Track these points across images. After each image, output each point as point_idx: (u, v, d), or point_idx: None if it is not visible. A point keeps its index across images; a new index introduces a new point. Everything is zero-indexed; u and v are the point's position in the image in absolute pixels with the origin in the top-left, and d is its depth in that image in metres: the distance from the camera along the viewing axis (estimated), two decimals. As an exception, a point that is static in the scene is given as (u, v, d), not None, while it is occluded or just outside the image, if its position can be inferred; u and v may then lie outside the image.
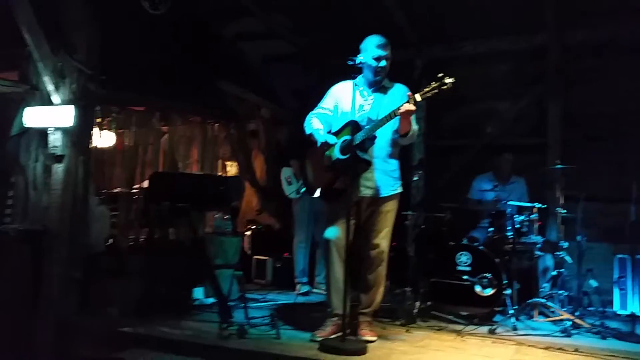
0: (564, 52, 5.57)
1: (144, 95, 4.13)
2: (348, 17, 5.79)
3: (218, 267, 4.20)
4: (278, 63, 6.92)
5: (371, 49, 3.39)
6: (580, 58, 5.54)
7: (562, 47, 5.56)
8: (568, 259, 4.35)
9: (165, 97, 4.39)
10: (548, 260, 4.77)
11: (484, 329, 3.89)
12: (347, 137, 3.37)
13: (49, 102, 3.66)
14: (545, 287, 4.54)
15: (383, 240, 3.48)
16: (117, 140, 4.11)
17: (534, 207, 4.32)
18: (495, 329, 3.83)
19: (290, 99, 6.87)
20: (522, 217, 4.35)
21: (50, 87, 3.50)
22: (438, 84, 3.07)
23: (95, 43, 3.70)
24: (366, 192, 3.41)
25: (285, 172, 5.43)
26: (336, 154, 3.39)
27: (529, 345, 3.49)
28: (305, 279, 5.34)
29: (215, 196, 3.63)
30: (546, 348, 3.42)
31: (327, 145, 3.37)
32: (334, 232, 3.42)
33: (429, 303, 4.25)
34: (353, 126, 3.34)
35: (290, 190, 5.37)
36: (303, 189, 5.18)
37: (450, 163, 5.94)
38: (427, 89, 3.10)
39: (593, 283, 4.85)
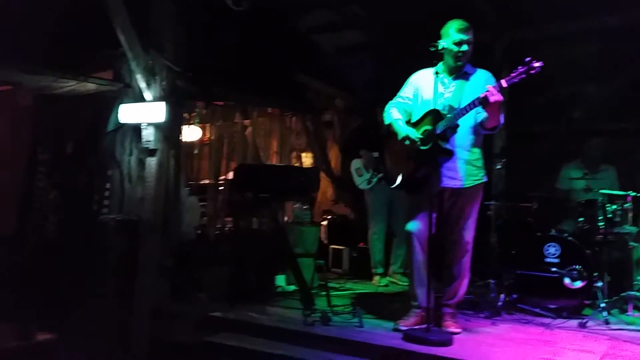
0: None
1: (227, 90, 4.27)
2: (423, 3, 5.70)
3: (299, 255, 4.29)
4: (352, 54, 6.92)
5: (452, 34, 3.31)
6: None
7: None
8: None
9: (247, 91, 4.51)
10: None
11: (574, 322, 3.74)
12: (428, 127, 3.32)
13: (141, 99, 3.87)
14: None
15: (467, 231, 3.42)
16: (202, 134, 4.28)
17: (628, 195, 4.07)
18: (585, 323, 3.67)
19: (364, 89, 6.86)
20: (614, 207, 4.12)
21: (142, 84, 3.71)
22: (526, 68, 2.95)
23: (183, 41, 3.87)
24: (448, 182, 3.35)
25: (356, 164, 5.41)
26: (417, 144, 3.34)
27: (624, 341, 3.32)
28: (381, 270, 5.34)
29: (296, 187, 3.72)
30: (644, 345, 3.25)
31: (407, 136, 3.34)
32: (416, 225, 3.39)
33: (514, 295, 4.13)
34: (434, 115, 3.29)
35: (360, 181, 5.35)
36: (375, 180, 5.20)
37: (534, 150, 5.69)
38: (514, 74, 2.99)
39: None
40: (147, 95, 3.74)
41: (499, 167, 4.99)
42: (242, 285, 4.17)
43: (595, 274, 3.91)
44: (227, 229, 4.42)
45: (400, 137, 3.37)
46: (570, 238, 4.11)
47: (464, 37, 3.29)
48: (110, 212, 4.02)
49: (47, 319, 4.00)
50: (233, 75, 4.44)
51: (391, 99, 5.48)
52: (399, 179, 3.55)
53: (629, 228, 4.09)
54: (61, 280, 3.95)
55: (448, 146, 3.28)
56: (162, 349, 3.63)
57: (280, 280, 4.57)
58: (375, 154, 5.27)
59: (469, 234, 3.42)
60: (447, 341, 3.10)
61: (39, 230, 4.33)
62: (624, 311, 4.03)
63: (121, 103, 3.89)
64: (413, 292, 3.45)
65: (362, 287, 4.98)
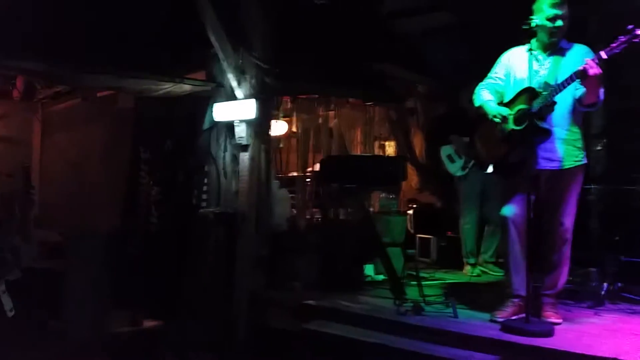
0: None
1: (311, 84, 4.35)
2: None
3: (387, 245, 4.30)
4: (436, 36, 6.74)
5: (545, 9, 3.15)
6: None
7: None
8: None
9: (329, 83, 4.57)
10: None
11: (689, 313, 3.49)
12: (523, 106, 3.19)
13: (232, 97, 4.04)
14: None
15: (567, 217, 3.26)
16: (289, 128, 4.41)
17: None
18: None
19: (449, 73, 6.68)
20: None
21: (233, 83, 3.87)
22: (629, 37, 2.76)
23: (269, 39, 3.98)
24: (546, 164, 3.21)
25: (446, 150, 5.28)
26: (510, 124, 3.23)
27: None
28: (473, 260, 5.21)
29: (382, 176, 3.73)
30: None
31: (500, 116, 3.23)
32: (512, 209, 3.28)
33: (618, 284, 3.90)
34: (529, 93, 3.15)
35: (454, 168, 5.20)
36: (470, 165, 5.05)
37: (636, 129, 5.30)
38: (614, 45, 2.80)
39: None
40: (239, 93, 3.90)
41: (599, 148, 4.71)
42: (333, 274, 4.24)
43: None
44: (315, 219, 4.52)
45: (490, 116, 3.27)
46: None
47: (558, 12, 3.13)
48: (209, 205, 4.24)
49: (155, 307, 4.29)
50: (316, 68, 4.51)
51: (476, 82, 5.37)
52: (491, 165, 3.47)
53: None
54: (166, 270, 4.23)
55: (545, 125, 3.14)
56: (262, 334, 3.80)
57: (369, 269, 4.60)
58: (467, 139, 5.11)
59: (568, 220, 3.27)
60: (547, 332, 2.99)
61: (144, 224, 4.65)
62: None
63: (215, 102, 4.08)
64: (509, 280, 3.34)
65: (452, 277, 4.90)
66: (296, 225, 4.20)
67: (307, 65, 4.38)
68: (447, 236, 5.85)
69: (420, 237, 5.92)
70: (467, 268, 5.16)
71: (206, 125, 4.21)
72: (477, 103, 3.44)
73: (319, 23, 4.80)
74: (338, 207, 4.56)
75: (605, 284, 3.87)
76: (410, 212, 6.25)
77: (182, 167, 4.46)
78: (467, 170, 5.10)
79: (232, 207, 4.07)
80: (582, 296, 3.81)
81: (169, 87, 4.16)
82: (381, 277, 4.55)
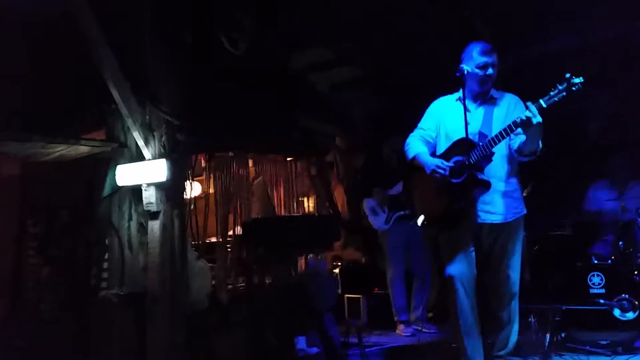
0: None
1: (229, 140, 3.98)
2: (415, 30, 5.53)
3: (320, 311, 3.91)
4: (347, 90, 6.73)
5: (475, 57, 3.07)
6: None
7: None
8: None
9: (249, 139, 4.22)
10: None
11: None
12: (460, 157, 3.04)
13: (138, 158, 3.56)
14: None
15: (513, 270, 3.09)
16: (205, 189, 3.96)
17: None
18: (651, 359, 3.34)
19: (364, 125, 6.64)
20: (657, 226, 3.86)
21: (140, 142, 3.39)
22: (566, 85, 2.70)
23: (179, 92, 3.59)
24: (486, 217, 3.05)
25: (369, 203, 5.16)
26: (449, 177, 3.04)
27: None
28: (406, 317, 4.96)
29: (316, 237, 3.38)
30: None
31: (436, 168, 3.04)
32: (457, 268, 3.05)
33: (562, 334, 3.77)
34: (465, 144, 3.00)
35: (378, 222, 5.06)
36: (393, 218, 4.92)
37: (549, 172, 5.43)
38: (553, 93, 2.74)
39: None
40: (146, 153, 3.43)
41: (525, 194, 4.70)
42: (261, 353, 3.77)
43: (649, 302, 3.60)
44: (239, 290, 4.04)
45: (428, 170, 3.06)
46: (612, 265, 3.82)
47: (488, 59, 3.06)
48: (110, 286, 3.63)
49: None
50: (233, 123, 4.15)
51: (395, 132, 5.33)
52: (422, 216, 3.27)
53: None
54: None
55: (484, 177, 3.00)
56: None
57: (301, 342, 4.15)
58: (389, 192, 5.01)
59: (515, 273, 3.10)
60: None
61: (34, 311, 3.91)
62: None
63: (117, 164, 3.56)
64: (462, 345, 3.07)
65: (388, 340, 4.57)
66: (218, 300, 3.68)
67: (221, 120, 4.01)
68: (375, 294, 5.61)
69: (348, 297, 5.58)
70: (400, 327, 4.89)
71: (107, 191, 3.65)
72: (410, 155, 3.23)
73: (230, 76, 4.51)
74: (264, 275, 4.12)
75: (548, 335, 3.74)
76: (336, 270, 5.94)
77: (79, 241, 3.82)
78: (390, 223, 4.96)
79: (139, 287, 3.50)
80: (525, 350, 3.62)
81: (61, 150, 3.60)
82: (315, 349, 4.13)
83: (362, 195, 5.24)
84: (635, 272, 3.82)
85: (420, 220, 3.30)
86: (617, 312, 3.66)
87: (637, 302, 3.63)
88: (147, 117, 3.44)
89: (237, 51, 3.41)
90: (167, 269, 3.43)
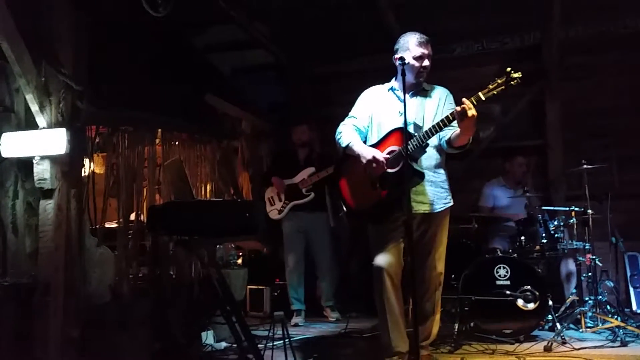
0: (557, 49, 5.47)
1: (138, 112, 3.54)
2: (329, 22, 5.47)
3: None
4: (251, 74, 6.49)
5: (412, 48, 3.02)
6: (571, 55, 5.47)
7: (557, 44, 5.46)
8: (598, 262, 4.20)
9: (158, 114, 3.81)
10: (570, 265, 4.55)
11: (539, 346, 3.61)
12: (394, 148, 2.97)
13: (28, 126, 3.03)
14: (574, 293, 4.32)
15: (439, 261, 3.10)
16: (108, 166, 3.49)
17: (573, 210, 4.10)
18: (550, 346, 3.55)
19: (271, 111, 6.43)
20: (555, 222, 4.13)
21: (34, 106, 2.86)
22: (505, 79, 2.73)
23: (83, 55, 3.10)
24: (419, 207, 3.02)
25: (268, 193, 5.11)
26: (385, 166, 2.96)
27: (600, 360, 3.22)
28: (299, 306, 4.93)
29: (239, 225, 3.10)
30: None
31: (373, 158, 2.94)
32: (385, 259, 2.99)
33: (471, 324, 3.89)
34: (401, 134, 2.94)
35: (272, 211, 5.04)
36: (286, 209, 4.95)
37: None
38: (492, 87, 2.75)
39: (609, 283, 4.73)
40: (40, 120, 2.90)
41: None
42: (164, 350, 3.43)
43: (548, 293, 3.84)
44: (140, 282, 3.63)
45: (365, 159, 2.96)
46: (517, 258, 4.02)
47: (425, 50, 3.02)
48: (-11, 274, 3.06)
49: None
50: (141, 95, 3.73)
51: (302, 121, 5.22)
52: (344, 207, 3.17)
53: (577, 243, 4.10)
54: None
55: (419, 168, 2.97)
56: None
57: (208, 337, 3.86)
58: (289, 181, 4.90)
59: (441, 264, 3.11)
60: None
61: None
62: (569, 328, 4.00)
63: (0, 132, 2.99)
64: (387, 337, 3.01)
65: (295, 332, 4.43)
66: (120, 293, 3.27)
67: (128, 92, 3.57)
68: (277, 284, 5.47)
69: (251, 288, 5.36)
70: (294, 316, 4.86)
71: (-14, 164, 3.07)
72: (344, 142, 3.11)
73: (137, 44, 4.06)
74: (170, 265, 3.76)
75: (456, 325, 3.84)
76: (239, 261, 5.67)
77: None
78: (282, 214, 4.98)
79: (26, 276, 2.98)
80: (437, 339, 3.67)
81: None
82: (224, 344, 3.87)
83: (265, 184, 5.19)
84: (536, 265, 4.06)
85: (344, 211, 3.20)
86: (520, 302, 3.85)
87: (537, 294, 3.84)
88: (43, 79, 2.92)
89: (156, 13, 3.00)
90: (61, 255, 2.95)
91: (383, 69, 3.46)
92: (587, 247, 4.16)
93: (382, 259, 3.00)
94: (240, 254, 5.78)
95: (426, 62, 3.04)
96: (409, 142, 2.86)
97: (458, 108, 2.75)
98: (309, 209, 4.93)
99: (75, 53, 3.07)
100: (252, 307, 5.38)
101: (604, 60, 5.43)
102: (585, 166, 4.18)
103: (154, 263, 3.58)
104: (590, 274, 4.13)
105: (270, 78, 6.62)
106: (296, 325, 4.73)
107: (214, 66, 6.07)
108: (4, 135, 2.94)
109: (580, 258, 4.15)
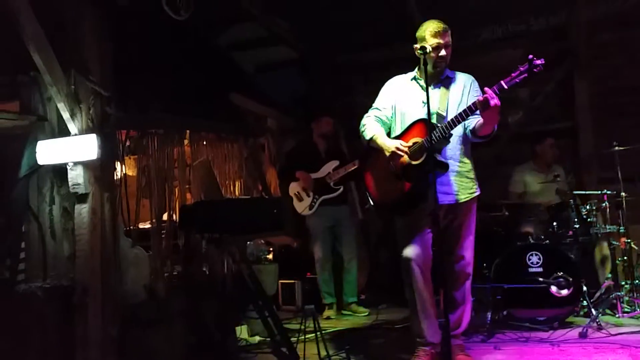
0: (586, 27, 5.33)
1: (165, 115, 3.62)
2: (354, 12, 5.44)
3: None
4: (274, 71, 6.52)
5: (428, 38, 2.98)
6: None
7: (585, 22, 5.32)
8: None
9: (184, 116, 3.89)
10: (604, 249, 4.46)
11: (574, 333, 3.57)
12: (418, 139, 2.96)
13: (60, 133, 3.13)
14: (609, 277, 4.23)
15: (467, 250, 3.08)
16: (139, 169, 3.59)
17: (605, 193, 4.02)
18: (586, 332, 3.50)
19: (294, 107, 6.47)
20: (587, 207, 4.06)
21: (65, 114, 2.96)
22: (527, 66, 2.68)
23: (109, 62, 3.19)
24: (443, 198, 2.99)
25: (293, 188, 5.03)
26: (407, 158, 2.96)
27: (636, 347, 3.15)
28: (330, 300, 4.93)
29: (265, 222, 3.17)
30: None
31: (396, 150, 2.94)
32: (413, 250, 2.99)
33: (504, 312, 3.87)
34: (424, 125, 2.93)
35: (301, 207, 4.96)
36: (316, 204, 4.86)
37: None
38: (515, 74, 2.71)
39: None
40: (72, 127, 3.00)
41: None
42: (201, 346, 3.51)
43: (582, 279, 3.79)
44: (175, 279, 3.73)
45: (388, 151, 2.96)
46: (550, 244, 3.97)
47: (441, 40, 2.98)
48: (30, 278, 3.19)
49: None
50: (166, 98, 3.80)
51: (325, 112, 5.20)
52: (372, 200, 3.17)
53: (610, 227, 4.02)
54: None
55: (442, 158, 2.95)
56: None
57: (243, 332, 3.94)
58: (315, 175, 4.89)
59: (469, 253, 3.09)
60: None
61: None
62: (605, 314, 3.94)
63: (36, 140, 3.10)
64: (418, 327, 3.03)
65: (328, 325, 4.47)
66: (155, 291, 3.37)
67: (157, 94, 3.65)
68: (308, 278, 5.51)
69: (282, 283, 5.43)
70: (326, 309, 4.87)
71: (24, 170, 3.19)
72: (368, 135, 3.11)
73: (162, 48, 4.14)
74: (203, 262, 3.84)
75: (488, 314, 3.82)
76: (270, 256, 5.74)
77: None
78: (313, 209, 4.88)
79: (66, 278, 3.10)
80: (467, 330, 3.66)
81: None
82: (257, 338, 3.94)
83: (289, 180, 5.10)
84: (569, 251, 4.00)
85: (371, 204, 3.21)
86: (553, 289, 3.81)
87: (570, 280, 3.79)
88: (73, 87, 3.02)
89: (178, 17, 3.06)
90: (97, 257, 3.05)
91: (405, 59, 3.44)
92: (621, 230, 4.08)
93: (410, 250, 3.00)
94: (271, 249, 5.85)
95: (443, 52, 2.99)
96: (432, 133, 2.84)
97: (480, 98, 2.72)
98: (337, 203, 4.90)
99: (101, 60, 3.15)
100: (285, 301, 5.43)
101: (635, 36, 5.27)
102: (617, 147, 4.08)
103: (187, 261, 3.65)
104: (625, 257, 4.05)
105: (293, 74, 6.64)
106: (328, 318, 4.75)
107: (237, 64, 6.14)
108: (40, 143, 3.05)
109: (615, 242, 4.08)
